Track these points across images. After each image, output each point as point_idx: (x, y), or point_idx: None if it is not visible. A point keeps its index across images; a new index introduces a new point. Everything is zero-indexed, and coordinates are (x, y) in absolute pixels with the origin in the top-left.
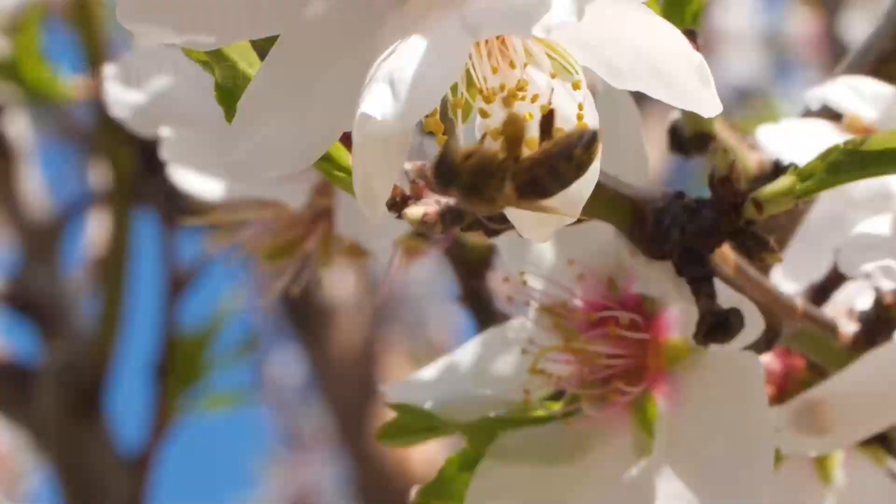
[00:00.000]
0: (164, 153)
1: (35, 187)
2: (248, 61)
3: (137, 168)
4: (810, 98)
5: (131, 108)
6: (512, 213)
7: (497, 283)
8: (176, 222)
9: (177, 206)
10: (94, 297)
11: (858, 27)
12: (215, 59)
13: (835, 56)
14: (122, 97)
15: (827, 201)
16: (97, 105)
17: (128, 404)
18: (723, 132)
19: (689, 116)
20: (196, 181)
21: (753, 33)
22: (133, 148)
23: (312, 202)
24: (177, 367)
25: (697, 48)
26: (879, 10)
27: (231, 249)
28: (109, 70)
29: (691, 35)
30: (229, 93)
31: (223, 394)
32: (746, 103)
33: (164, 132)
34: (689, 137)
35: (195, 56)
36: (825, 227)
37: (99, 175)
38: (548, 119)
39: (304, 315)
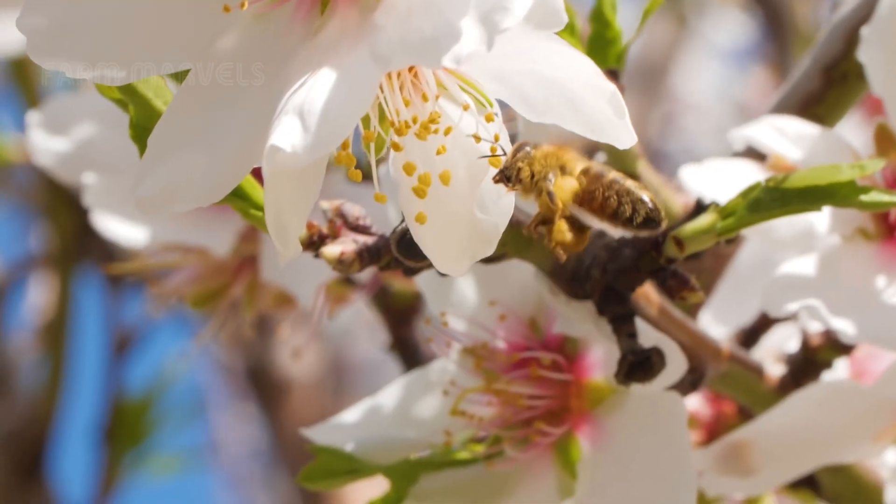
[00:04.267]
0: (87, 199)
1: None
2: (163, 99)
3: (80, 228)
4: (735, 138)
5: (55, 155)
6: (428, 247)
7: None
8: (120, 282)
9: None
10: (38, 359)
11: None
12: (130, 97)
13: None
14: (46, 144)
15: (755, 244)
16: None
17: (73, 467)
18: (646, 173)
19: (613, 158)
20: (119, 228)
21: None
22: (75, 208)
23: (238, 248)
24: (122, 430)
25: (620, 89)
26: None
27: (175, 308)
28: (33, 117)
29: (613, 75)
30: (144, 131)
31: (170, 458)
32: None
33: (87, 179)
34: None
35: (109, 94)
36: (753, 270)
37: (42, 237)
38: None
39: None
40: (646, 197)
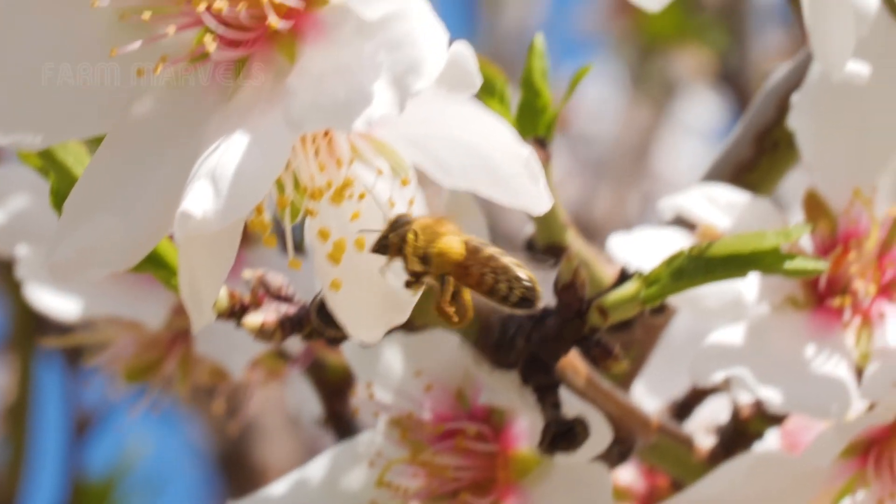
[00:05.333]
0: (20, 272)
1: None
2: (83, 165)
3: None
4: (665, 207)
5: None
6: (342, 314)
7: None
8: (80, 361)
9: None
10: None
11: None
12: (50, 164)
13: None
14: None
15: (687, 315)
16: None
17: None
18: (576, 243)
19: (541, 228)
20: (52, 300)
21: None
22: None
23: (171, 322)
24: None
25: (547, 157)
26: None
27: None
28: None
29: (541, 143)
30: (64, 198)
31: None
32: None
33: (21, 251)
34: (542, 249)
35: (31, 162)
36: (685, 341)
37: (1, 318)
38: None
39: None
40: (523, 275)
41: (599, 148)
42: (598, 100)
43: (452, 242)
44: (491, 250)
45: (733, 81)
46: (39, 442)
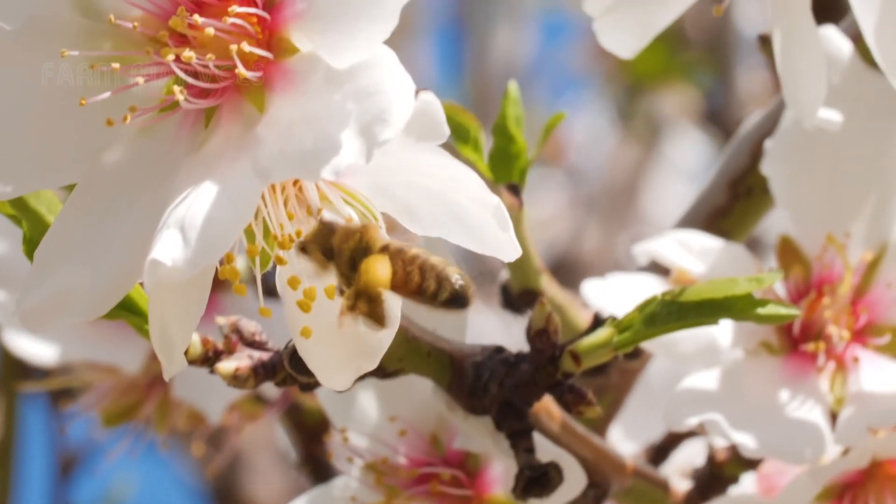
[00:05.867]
0: None
1: None
2: (55, 213)
3: None
4: (639, 252)
5: None
6: (312, 362)
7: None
8: (65, 402)
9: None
10: None
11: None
12: (22, 213)
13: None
14: None
15: (663, 360)
16: None
17: None
18: (550, 288)
19: (515, 274)
20: (29, 345)
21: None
22: None
23: (149, 366)
24: None
25: (520, 204)
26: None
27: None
28: None
29: (514, 190)
30: (36, 246)
31: None
32: None
33: None
34: (517, 294)
35: (3, 210)
36: (661, 386)
37: None
38: None
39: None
40: (452, 273)
41: (590, 184)
42: (589, 136)
43: (375, 246)
44: (416, 250)
45: (718, 120)
46: (24, 482)
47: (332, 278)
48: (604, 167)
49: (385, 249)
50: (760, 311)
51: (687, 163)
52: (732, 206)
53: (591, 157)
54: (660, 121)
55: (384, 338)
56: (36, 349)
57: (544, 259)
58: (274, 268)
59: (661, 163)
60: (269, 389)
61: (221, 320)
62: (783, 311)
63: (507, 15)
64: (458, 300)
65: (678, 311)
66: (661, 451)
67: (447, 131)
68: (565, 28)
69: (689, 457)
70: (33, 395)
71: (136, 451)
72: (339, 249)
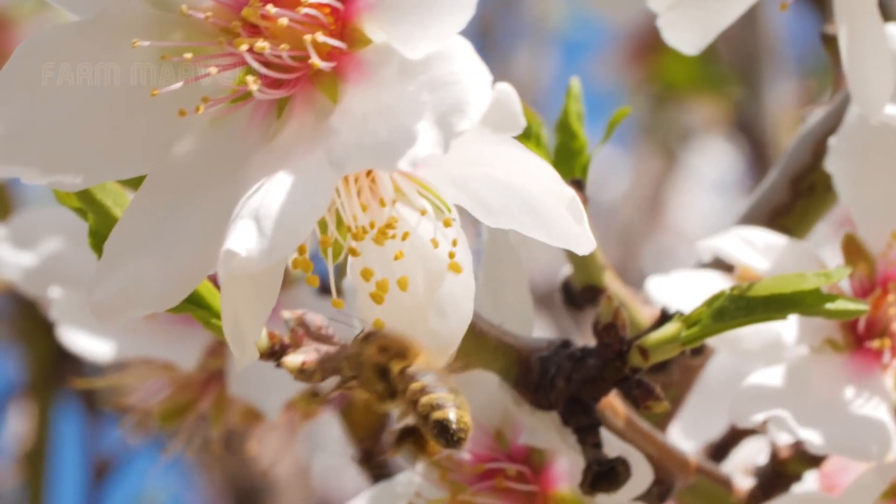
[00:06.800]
0: (54, 313)
1: None
2: (121, 206)
3: (58, 355)
4: (702, 249)
5: (22, 270)
6: None
7: None
8: (98, 408)
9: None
10: (18, 487)
11: None
12: (89, 205)
13: None
14: (13, 259)
15: (724, 358)
16: (15, 293)
17: None
18: (612, 284)
19: (579, 270)
20: (86, 342)
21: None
22: (53, 335)
23: (205, 363)
24: None
25: (584, 199)
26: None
27: (154, 435)
28: (0, 232)
29: (578, 185)
30: (102, 239)
31: None
32: None
33: (54, 293)
34: (579, 291)
35: (69, 203)
36: (722, 383)
37: (20, 364)
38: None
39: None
40: (450, 416)
41: (611, 199)
42: (609, 151)
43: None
44: (422, 382)
45: (748, 132)
46: (57, 488)
47: (403, 270)
48: (627, 180)
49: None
50: (829, 306)
51: (714, 174)
52: (794, 203)
53: (614, 170)
54: (687, 131)
55: (456, 332)
56: (92, 346)
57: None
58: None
59: (686, 174)
60: (326, 387)
61: (287, 314)
62: (852, 306)
63: (530, 34)
64: (448, 443)
65: (746, 305)
66: (720, 449)
67: (524, 122)
68: (587, 46)
69: (749, 455)
70: (67, 401)
71: (169, 460)
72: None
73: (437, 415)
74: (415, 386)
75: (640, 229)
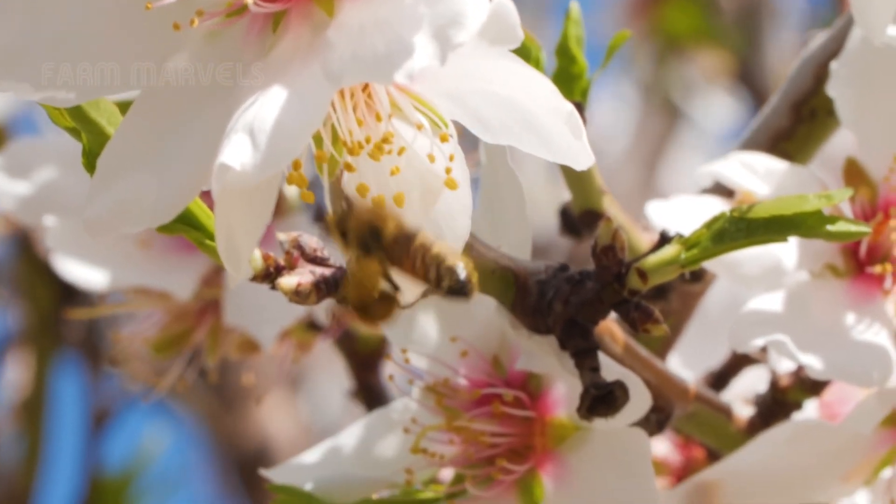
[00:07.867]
0: (48, 242)
1: None
2: (115, 125)
3: (57, 304)
4: (702, 174)
5: (16, 199)
6: None
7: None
8: (97, 357)
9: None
10: (15, 435)
11: None
12: (82, 124)
13: None
14: (7, 188)
15: (723, 286)
16: (17, 242)
17: None
18: (611, 208)
19: (577, 194)
20: (80, 270)
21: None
22: (52, 285)
23: (200, 293)
24: None
25: (584, 122)
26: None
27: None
28: None
29: (578, 108)
30: (96, 158)
31: None
32: None
33: (49, 221)
34: (578, 216)
35: (63, 123)
36: (721, 312)
37: (19, 313)
38: None
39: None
40: (457, 265)
41: (611, 156)
42: (610, 109)
43: (387, 229)
44: (422, 239)
45: (750, 83)
46: (56, 437)
47: (399, 186)
48: (627, 137)
49: (397, 233)
50: (830, 227)
51: (716, 126)
52: (796, 128)
53: (616, 127)
54: (689, 84)
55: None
56: (86, 274)
57: None
58: None
59: (688, 128)
60: (322, 318)
61: (283, 236)
62: (853, 227)
63: None
64: (458, 291)
65: (747, 227)
66: (720, 378)
67: (521, 35)
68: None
69: (749, 384)
70: (66, 351)
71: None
72: (351, 235)
73: (448, 262)
74: (416, 243)
75: (641, 186)
